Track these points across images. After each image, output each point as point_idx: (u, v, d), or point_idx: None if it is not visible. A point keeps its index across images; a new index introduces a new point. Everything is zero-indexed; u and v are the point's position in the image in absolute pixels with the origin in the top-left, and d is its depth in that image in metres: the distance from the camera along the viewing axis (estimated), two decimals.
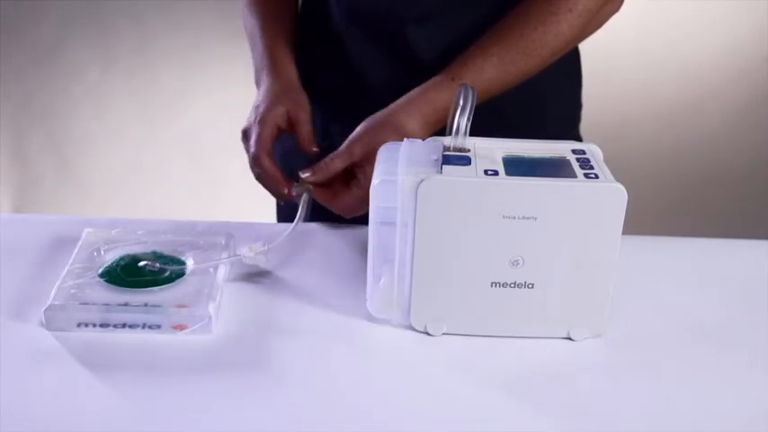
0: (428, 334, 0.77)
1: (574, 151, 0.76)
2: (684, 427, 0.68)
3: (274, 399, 0.69)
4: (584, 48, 1.07)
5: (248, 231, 0.88)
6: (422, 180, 0.70)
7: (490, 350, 0.76)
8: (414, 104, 0.88)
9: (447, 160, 0.73)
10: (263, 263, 0.84)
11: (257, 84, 0.99)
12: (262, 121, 0.92)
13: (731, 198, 2.37)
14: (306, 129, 0.93)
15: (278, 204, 1.15)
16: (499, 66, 0.89)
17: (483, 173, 0.71)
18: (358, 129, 0.88)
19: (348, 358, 0.74)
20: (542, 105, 1.05)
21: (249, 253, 0.84)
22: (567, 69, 1.07)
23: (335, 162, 0.87)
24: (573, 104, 1.10)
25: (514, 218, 0.71)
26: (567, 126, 1.09)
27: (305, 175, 0.88)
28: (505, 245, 0.72)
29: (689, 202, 2.29)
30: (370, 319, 0.79)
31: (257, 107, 0.95)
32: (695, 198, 2.32)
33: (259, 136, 0.91)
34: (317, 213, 0.96)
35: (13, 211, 2.31)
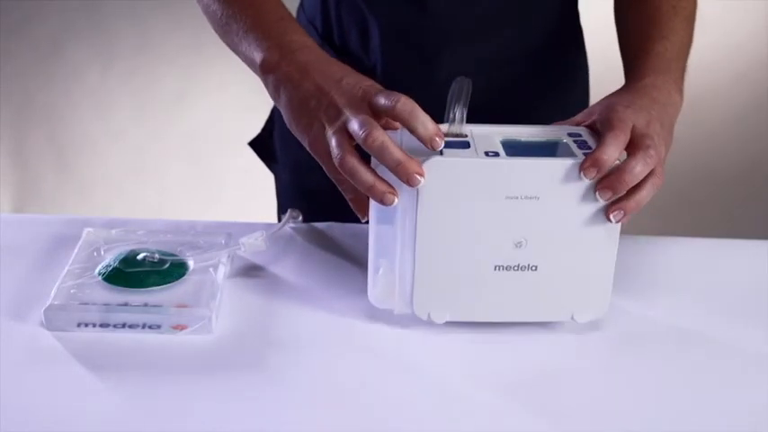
0: (431, 321, 0.76)
1: (570, 134, 0.76)
2: (684, 427, 0.68)
3: (274, 399, 0.69)
4: (589, 49, 1.07)
5: (248, 231, 0.88)
6: (423, 161, 0.70)
7: (491, 350, 0.76)
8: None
9: (446, 144, 0.72)
10: (262, 249, 0.85)
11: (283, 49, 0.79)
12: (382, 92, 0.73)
13: (731, 198, 2.37)
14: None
15: (279, 204, 1.15)
16: (675, 42, 0.87)
17: (484, 154, 0.71)
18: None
19: (348, 357, 0.74)
20: (558, 102, 1.05)
21: (248, 240, 0.84)
22: (577, 70, 1.08)
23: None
24: (584, 103, 1.10)
25: (517, 198, 0.71)
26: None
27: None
28: (509, 226, 0.72)
29: (688, 202, 2.29)
30: (371, 318, 0.79)
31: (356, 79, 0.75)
32: (695, 198, 2.32)
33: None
34: (317, 214, 0.96)
35: (13, 211, 2.31)
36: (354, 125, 0.71)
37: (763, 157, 2.38)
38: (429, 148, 0.71)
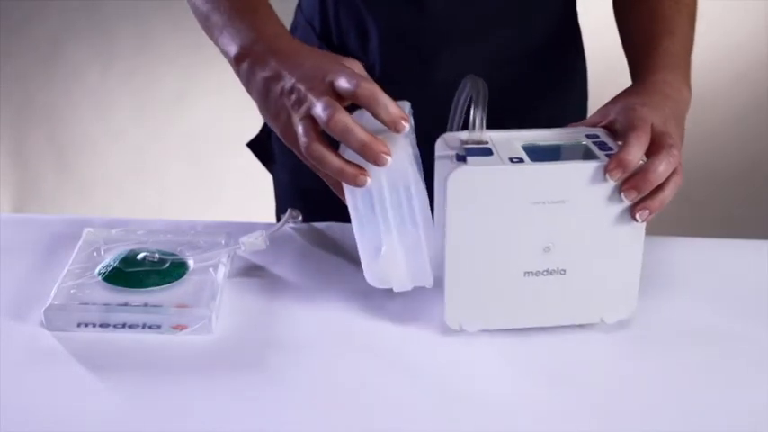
0: (464, 331, 0.76)
1: (588, 136, 0.77)
2: (688, 426, 0.68)
3: (274, 399, 0.69)
4: (587, 48, 1.07)
5: (248, 231, 0.88)
6: (450, 171, 0.70)
7: (491, 349, 0.76)
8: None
9: (468, 152, 0.72)
10: (262, 248, 0.85)
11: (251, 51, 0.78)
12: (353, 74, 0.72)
13: (731, 198, 2.37)
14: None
15: (277, 206, 1.15)
16: (680, 38, 0.88)
17: (509, 161, 0.71)
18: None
19: (348, 357, 0.74)
20: (556, 106, 1.05)
21: (248, 239, 0.84)
22: (575, 70, 1.07)
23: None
24: (582, 102, 1.10)
25: (544, 203, 0.71)
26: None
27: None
28: (537, 231, 0.72)
29: (688, 202, 2.29)
30: (371, 317, 0.79)
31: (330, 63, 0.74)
32: (695, 198, 2.32)
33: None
34: (316, 214, 0.96)
35: (13, 211, 2.31)
36: (317, 109, 0.71)
37: (763, 157, 2.37)
38: (393, 131, 0.70)
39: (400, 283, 0.77)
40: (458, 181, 0.70)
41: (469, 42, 0.96)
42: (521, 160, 0.71)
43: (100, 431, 0.65)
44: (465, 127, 0.76)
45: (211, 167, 2.37)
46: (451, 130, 0.79)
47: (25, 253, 0.87)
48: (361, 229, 0.75)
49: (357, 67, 0.76)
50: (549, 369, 0.74)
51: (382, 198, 0.73)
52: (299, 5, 1.08)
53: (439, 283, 0.81)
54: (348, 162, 0.71)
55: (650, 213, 0.72)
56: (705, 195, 2.35)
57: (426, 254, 0.75)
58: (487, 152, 0.73)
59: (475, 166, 0.70)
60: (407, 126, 0.70)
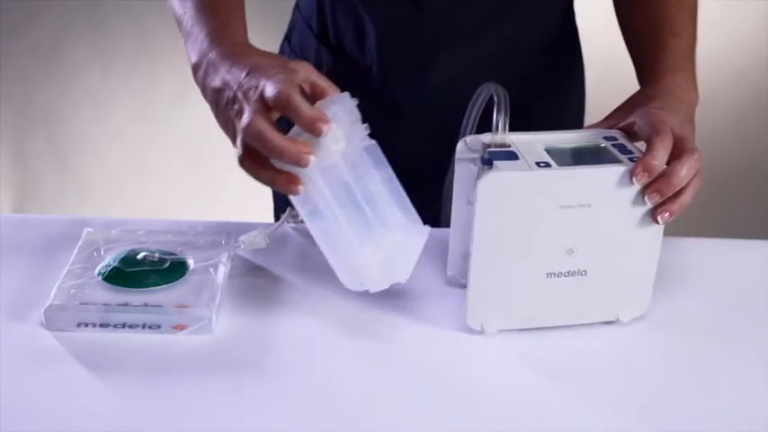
0: (484, 332, 0.76)
1: (606, 138, 0.77)
2: (690, 426, 0.68)
3: (274, 399, 0.69)
4: (585, 48, 1.07)
5: (248, 231, 0.88)
6: (481, 176, 0.70)
7: (491, 349, 0.76)
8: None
9: (493, 156, 0.73)
10: (261, 246, 0.84)
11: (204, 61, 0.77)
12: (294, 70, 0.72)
13: (731, 198, 2.37)
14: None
15: (275, 206, 1.14)
16: (684, 37, 0.89)
17: (536, 165, 0.71)
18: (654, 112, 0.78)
19: (348, 357, 0.74)
20: (554, 107, 1.05)
21: (248, 238, 0.84)
22: (573, 70, 1.07)
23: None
24: (580, 102, 1.10)
25: (570, 207, 0.71)
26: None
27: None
28: (562, 234, 0.73)
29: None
30: (371, 317, 0.79)
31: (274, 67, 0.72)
32: (695, 198, 2.32)
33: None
34: None
35: (13, 211, 2.31)
36: (244, 119, 0.70)
37: (763, 157, 2.37)
38: (314, 135, 0.68)
39: (374, 283, 0.75)
40: (488, 186, 0.70)
41: (468, 42, 0.96)
42: (548, 165, 0.72)
43: (100, 431, 0.65)
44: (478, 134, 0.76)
45: (211, 167, 2.36)
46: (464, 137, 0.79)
47: (25, 253, 0.87)
48: (321, 236, 0.73)
49: (305, 70, 0.73)
50: (551, 369, 0.74)
51: (326, 201, 0.71)
52: (296, 5, 1.08)
53: (439, 282, 0.81)
54: (279, 171, 0.70)
55: (670, 215, 0.74)
56: (705, 195, 2.34)
57: (396, 248, 0.74)
58: (513, 156, 0.73)
59: (505, 171, 0.71)
60: (326, 128, 0.68)
